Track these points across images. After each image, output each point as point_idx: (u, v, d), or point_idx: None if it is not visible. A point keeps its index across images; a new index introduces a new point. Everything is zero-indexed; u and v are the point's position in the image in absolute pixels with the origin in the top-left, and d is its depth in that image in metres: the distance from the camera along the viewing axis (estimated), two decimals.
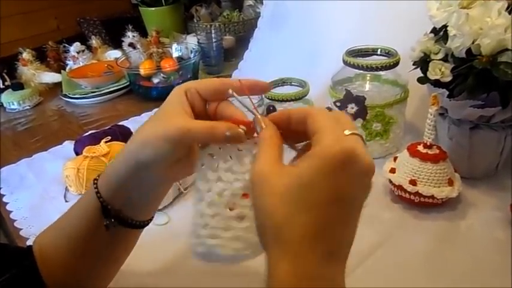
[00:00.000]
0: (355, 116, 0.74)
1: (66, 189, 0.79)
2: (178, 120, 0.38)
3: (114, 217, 0.43)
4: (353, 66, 0.74)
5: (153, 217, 0.48)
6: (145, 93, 1.18)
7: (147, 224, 0.47)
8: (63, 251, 0.46)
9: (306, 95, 0.78)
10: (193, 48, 1.26)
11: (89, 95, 1.22)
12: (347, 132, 0.31)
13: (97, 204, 0.42)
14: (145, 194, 0.44)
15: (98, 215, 0.43)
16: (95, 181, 0.44)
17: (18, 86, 1.23)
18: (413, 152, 0.64)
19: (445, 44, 0.62)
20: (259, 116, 0.37)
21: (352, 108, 0.73)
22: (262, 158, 0.33)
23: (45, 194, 0.80)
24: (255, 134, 0.38)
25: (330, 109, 0.76)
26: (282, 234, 0.30)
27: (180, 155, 0.40)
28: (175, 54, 1.28)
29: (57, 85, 1.30)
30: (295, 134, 0.36)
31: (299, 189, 0.30)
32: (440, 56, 0.63)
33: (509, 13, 0.57)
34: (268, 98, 0.79)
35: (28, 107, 1.22)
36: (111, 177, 0.42)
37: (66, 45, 1.38)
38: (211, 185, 0.39)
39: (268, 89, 0.44)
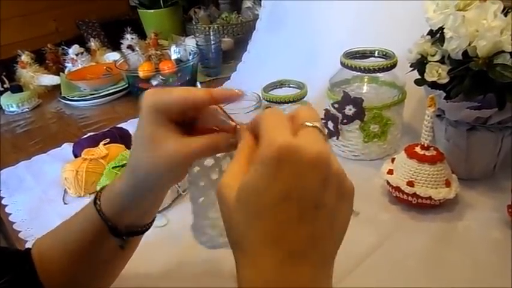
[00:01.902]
0: (352, 118, 0.74)
1: (65, 191, 0.79)
2: (171, 146, 0.37)
3: (124, 234, 0.44)
4: (351, 68, 0.75)
5: (154, 220, 0.48)
6: None
7: (150, 227, 0.47)
8: (63, 259, 0.46)
9: (304, 97, 0.79)
10: (192, 50, 1.27)
11: (88, 97, 1.22)
12: (308, 124, 0.31)
13: (103, 224, 0.43)
14: (148, 204, 0.45)
15: (104, 233, 0.43)
16: (96, 202, 0.43)
17: (17, 88, 1.24)
18: (410, 154, 0.64)
19: (442, 46, 0.62)
20: (239, 126, 0.37)
21: (350, 109, 0.74)
22: (228, 171, 0.33)
23: (44, 196, 0.80)
24: None
25: (328, 111, 0.77)
26: (241, 244, 0.30)
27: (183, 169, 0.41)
28: (173, 57, 1.28)
29: (56, 87, 1.30)
30: None
31: (247, 197, 0.29)
32: (437, 58, 0.63)
33: (505, 15, 0.57)
34: (266, 100, 0.79)
35: (27, 110, 1.22)
36: (115, 201, 0.43)
37: (65, 47, 1.39)
38: (205, 184, 0.40)
39: (241, 95, 0.39)
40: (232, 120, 0.38)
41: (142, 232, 0.46)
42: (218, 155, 0.40)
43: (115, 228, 0.43)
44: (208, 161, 0.41)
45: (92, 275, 0.47)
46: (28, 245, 0.49)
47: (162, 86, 1.15)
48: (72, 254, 0.45)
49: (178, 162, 0.38)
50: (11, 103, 1.20)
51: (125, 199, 0.42)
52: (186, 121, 0.39)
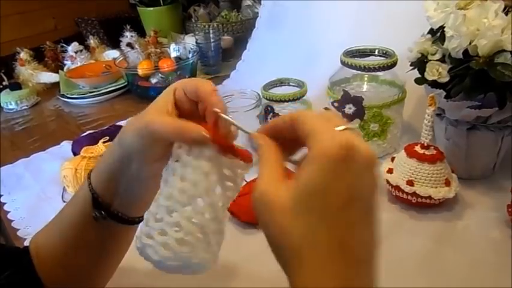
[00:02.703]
0: (352, 117, 0.74)
1: (64, 189, 0.79)
2: (151, 115, 0.39)
3: (103, 209, 0.43)
4: (351, 66, 0.75)
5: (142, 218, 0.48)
6: (143, 93, 1.18)
7: (138, 222, 0.46)
8: (57, 249, 0.46)
9: (303, 96, 0.78)
10: (192, 49, 1.26)
11: (87, 95, 1.22)
12: (340, 128, 0.29)
13: (89, 197, 0.43)
14: (134, 188, 0.43)
15: (89, 209, 0.43)
16: (89, 174, 0.44)
17: (16, 86, 1.23)
18: (410, 153, 0.64)
19: (442, 44, 0.62)
20: (253, 134, 0.36)
21: (349, 108, 0.73)
22: (262, 178, 0.31)
23: (43, 194, 0.80)
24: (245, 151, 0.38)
25: (327, 109, 0.77)
26: (298, 251, 0.28)
27: (157, 150, 0.40)
28: (173, 54, 1.28)
29: (55, 85, 1.30)
30: (292, 142, 0.34)
31: (308, 198, 0.28)
32: (438, 56, 0.63)
33: (506, 14, 0.57)
34: (265, 99, 0.79)
35: (26, 107, 1.21)
36: (101, 169, 0.43)
37: (64, 45, 1.38)
38: (162, 187, 0.38)
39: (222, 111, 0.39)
40: (243, 129, 0.37)
41: (127, 222, 0.45)
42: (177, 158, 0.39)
43: (96, 199, 0.43)
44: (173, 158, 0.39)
45: (87, 266, 0.47)
46: (26, 243, 0.49)
47: (162, 84, 1.15)
48: (65, 241, 0.45)
49: (143, 128, 0.38)
50: (10, 101, 1.20)
51: (106, 164, 0.43)
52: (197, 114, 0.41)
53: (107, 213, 0.43)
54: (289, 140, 0.34)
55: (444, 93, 0.63)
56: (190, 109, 0.41)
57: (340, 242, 0.27)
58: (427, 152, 0.63)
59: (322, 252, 0.27)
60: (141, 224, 0.40)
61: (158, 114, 0.39)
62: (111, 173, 0.42)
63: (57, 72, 1.33)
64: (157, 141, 0.39)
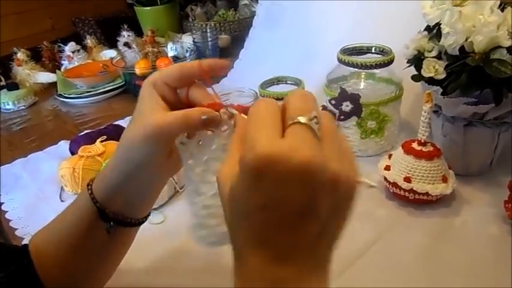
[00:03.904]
0: (350, 114, 0.74)
1: (62, 189, 0.79)
2: (152, 117, 0.38)
3: (112, 220, 0.43)
4: (348, 64, 0.75)
5: (149, 214, 0.48)
6: None
7: (144, 222, 0.47)
8: (59, 252, 0.46)
9: None
10: (189, 48, 1.26)
11: (84, 94, 1.21)
12: (301, 119, 0.28)
13: (93, 209, 0.43)
14: (142, 193, 0.44)
15: (94, 219, 0.43)
16: (89, 186, 0.44)
17: (13, 86, 1.23)
18: (407, 150, 0.64)
19: (439, 41, 0.62)
20: (233, 112, 0.36)
21: (347, 106, 0.74)
22: (224, 161, 0.32)
23: (41, 193, 0.79)
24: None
25: (325, 108, 0.77)
26: (232, 241, 0.31)
27: (167, 150, 0.40)
28: (170, 54, 1.28)
29: (52, 85, 1.29)
30: None
31: (234, 198, 0.29)
32: (434, 53, 0.64)
33: (502, 10, 0.57)
34: (263, 97, 0.79)
35: (23, 107, 1.21)
36: (106, 183, 0.43)
37: (61, 45, 1.38)
38: (203, 177, 0.39)
39: (228, 66, 0.42)
40: (225, 106, 0.38)
41: (131, 225, 0.45)
42: (208, 145, 0.40)
43: (103, 211, 0.43)
44: (199, 151, 0.40)
45: (87, 268, 0.47)
46: (25, 242, 0.49)
47: None
48: (67, 244, 0.45)
49: (154, 132, 0.38)
50: (7, 101, 1.20)
51: (113, 178, 0.42)
52: (180, 102, 0.41)
53: (116, 222, 0.44)
54: None
55: (441, 90, 0.63)
56: (173, 99, 0.41)
57: (260, 239, 0.28)
58: (424, 149, 0.63)
59: (245, 245, 0.29)
60: (196, 227, 0.41)
61: (159, 114, 0.39)
62: (117, 186, 0.42)
63: (55, 72, 1.32)
64: (167, 142, 0.39)
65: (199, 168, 0.40)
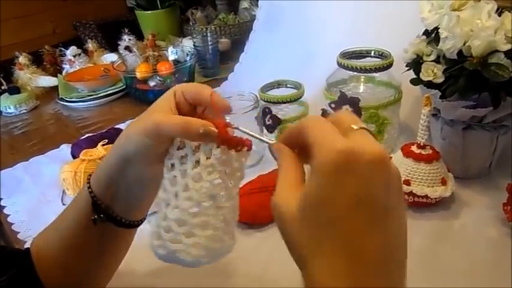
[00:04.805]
0: None
1: (64, 192, 0.79)
2: (157, 115, 0.40)
3: (103, 212, 0.43)
4: (347, 68, 0.75)
5: (144, 219, 0.48)
6: (141, 96, 1.19)
7: (138, 225, 0.47)
8: (58, 250, 0.46)
9: (301, 97, 0.79)
10: (189, 51, 1.27)
11: (86, 98, 1.22)
12: (354, 127, 0.30)
13: (89, 201, 0.43)
14: (134, 191, 0.43)
15: (89, 212, 0.43)
16: (89, 177, 0.45)
17: (14, 90, 1.23)
18: (407, 153, 0.64)
19: (437, 45, 0.62)
20: (273, 143, 0.36)
21: (346, 109, 0.74)
22: (277, 189, 0.32)
23: (43, 197, 0.80)
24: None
25: (325, 111, 0.77)
26: (308, 263, 0.29)
27: (161, 150, 0.41)
28: (171, 57, 1.29)
29: (54, 89, 1.30)
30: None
31: (312, 209, 0.28)
32: (433, 57, 0.64)
33: (499, 15, 0.58)
34: (263, 101, 0.79)
35: (25, 111, 1.22)
36: (101, 173, 0.43)
37: (63, 49, 1.38)
38: (178, 190, 0.40)
39: (228, 109, 0.42)
40: (262, 139, 0.39)
41: (127, 226, 0.45)
42: (190, 161, 0.40)
43: (96, 202, 0.43)
44: (181, 163, 0.40)
45: (87, 268, 0.47)
46: (27, 246, 0.49)
47: (160, 87, 1.16)
48: (67, 244, 0.46)
49: (153, 128, 0.38)
50: (9, 105, 1.20)
51: (105, 168, 0.43)
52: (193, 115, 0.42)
53: (107, 217, 0.44)
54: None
55: (439, 94, 0.64)
56: (189, 112, 0.43)
57: (349, 247, 0.28)
58: (423, 152, 0.63)
59: (331, 257, 0.28)
60: (154, 235, 0.41)
61: (164, 114, 0.40)
62: (110, 177, 0.42)
63: (56, 76, 1.33)
64: (163, 141, 0.40)
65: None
